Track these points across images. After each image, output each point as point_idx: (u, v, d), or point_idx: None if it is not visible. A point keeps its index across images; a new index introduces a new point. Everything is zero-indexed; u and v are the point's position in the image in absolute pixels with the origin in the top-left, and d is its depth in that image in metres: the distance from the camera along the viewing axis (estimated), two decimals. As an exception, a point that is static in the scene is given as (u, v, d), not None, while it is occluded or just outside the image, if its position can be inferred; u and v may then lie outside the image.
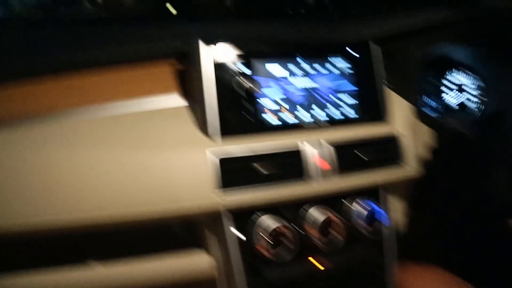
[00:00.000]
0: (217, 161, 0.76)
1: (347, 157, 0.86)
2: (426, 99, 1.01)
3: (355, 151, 0.87)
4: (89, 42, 0.85)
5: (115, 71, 0.86)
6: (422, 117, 0.97)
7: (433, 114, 0.97)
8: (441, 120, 0.94)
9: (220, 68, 0.81)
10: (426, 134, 0.96)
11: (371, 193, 0.90)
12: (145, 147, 0.76)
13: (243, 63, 0.83)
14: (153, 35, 0.87)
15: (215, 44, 0.82)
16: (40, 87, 0.80)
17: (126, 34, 0.86)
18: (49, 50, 0.83)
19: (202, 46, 0.81)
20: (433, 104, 1.01)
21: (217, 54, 0.81)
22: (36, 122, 0.76)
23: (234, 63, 0.82)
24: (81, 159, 0.72)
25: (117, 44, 0.85)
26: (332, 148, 0.84)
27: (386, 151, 0.90)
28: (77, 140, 0.75)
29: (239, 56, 0.83)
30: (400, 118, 0.95)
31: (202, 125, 0.80)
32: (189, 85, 0.85)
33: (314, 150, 0.83)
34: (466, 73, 1.09)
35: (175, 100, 0.86)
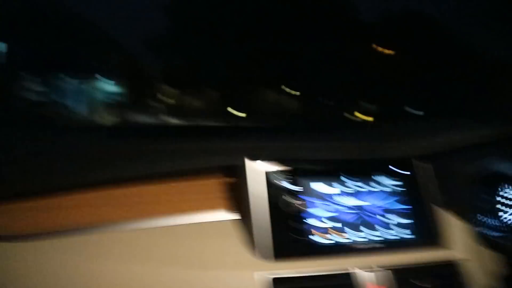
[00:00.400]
0: None
1: (403, 283, 0.78)
2: (483, 218, 0.94)
3: (411, 277, 0.79)
4: (143, 157, 0.86)
5: (163, 184, 0.86)
6: (483, 239, 0.89)
7: (494, 235, 0.89)
8: (503, 241, 0.86)
9: (267, 186, 0.80)
10: (489, 259, 0.88)
11: None
12: (192, 265, 0.74)
13: (290, 182, 0.82)
14: (203, 150, 0.88)
15: (262, 161, 0.82)
16: (89, 198, 0.82)
17: (177, 149, 0.87)
18: (100, 164, 0.84)
19: (248, 163, 0.81)
20: (492, 223, 0.94)
21: (264, 172, 0.81)
22: (79, 233, 0.76)
23: (281, 181, 0.81)
24: (125, 273, 0.72)
25: (168, 160, 0.85)
26: (385, 273, 0.78)
27: (445, 278, 0.82)
28: (122, 254, 0.74)
29: (286, 174, 0.82)
30: (459, 241, 0.88)
31: (250, 245, 0.77)
32: (237, 202, 0.84)
33: (367, 276, 0.77)
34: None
35: (223, 217, 0.84)
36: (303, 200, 0.81)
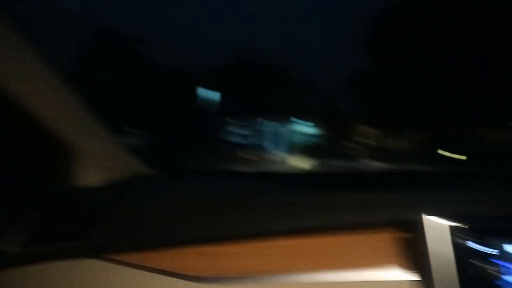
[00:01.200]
0: None
1: None
2: None
3: None
4: (312, 209, 0.85)
5: (333, 237, 0.84)
6: None
7: None
8: None
9: (452, 245, 0.73)
10: None
11: None
12: None
13: (478, 242, 0.73)
14: (374, 202, 0.84)
15: (441, 216, 0.75)
16: (262, 246, 0.83)
17: (349, 201, 0.85)
18: (271, 219, 0.85)
19: (426, 218, 0.76)
20: None
21: (446, 229, 0.74)
22: (249, 281, 0.79)
23: (467, 241, 0.73)
24: None
25: (338, 211, 0.84)
26: None
27: None
28: None
29: (473, 232, 0.74)
30: None
31: None
32: (412, 258, 0.78)
33: None
34: None
35: (396, 276, 0.79)
36: (496, 264, 0.71)
